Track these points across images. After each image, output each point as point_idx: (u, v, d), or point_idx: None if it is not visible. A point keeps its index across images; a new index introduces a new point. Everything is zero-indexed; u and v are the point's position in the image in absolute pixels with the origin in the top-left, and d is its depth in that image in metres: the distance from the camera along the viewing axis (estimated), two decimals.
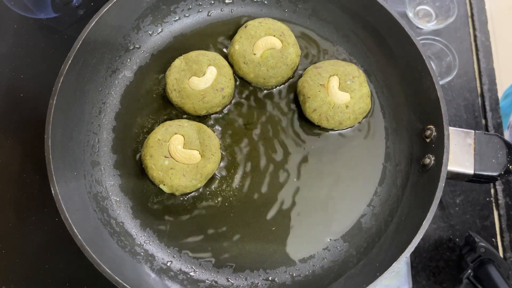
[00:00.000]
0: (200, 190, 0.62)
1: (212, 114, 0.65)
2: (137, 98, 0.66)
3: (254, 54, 0.64)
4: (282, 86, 0.67)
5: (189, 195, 0.62)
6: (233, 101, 0.66)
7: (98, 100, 0.64)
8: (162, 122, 0.63)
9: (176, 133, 0.60)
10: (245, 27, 0.66)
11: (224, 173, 0.63)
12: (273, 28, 0.65)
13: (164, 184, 0.59)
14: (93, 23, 0.59)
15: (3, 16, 0.80)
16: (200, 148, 0.60)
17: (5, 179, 0.70)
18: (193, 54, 0.64)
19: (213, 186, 0.62)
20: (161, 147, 0.59)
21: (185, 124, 0.61)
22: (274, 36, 0.65)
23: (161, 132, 0.60)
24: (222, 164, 0.63)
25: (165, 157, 0.58)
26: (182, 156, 0.59)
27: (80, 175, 0.59)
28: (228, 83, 0.63)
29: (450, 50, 0.80)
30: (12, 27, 0.80)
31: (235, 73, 0.66)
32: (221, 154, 0.63)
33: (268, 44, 0.64)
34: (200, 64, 0.63)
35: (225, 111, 0.66)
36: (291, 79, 0.67)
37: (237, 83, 0.67)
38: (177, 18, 0.70)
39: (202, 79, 0.62)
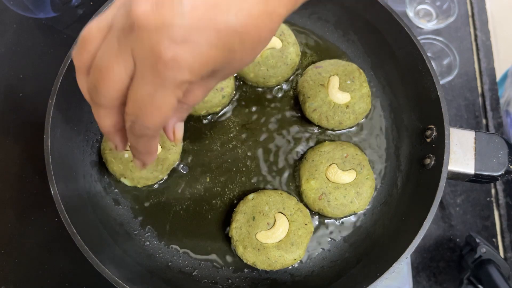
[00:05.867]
0: (202, 192, 0.62)
1: (212, 114, 0.65)
2: None
3: None
4: (282, 86, 0.67)
5: (189, 196, 0.61)
6: (233, 101, 0.66)
7: None
8: None
9: None
10: None
11: (225, 172, 0.63)
12: None
13: (125, 177, 0.59)
14: None
15: (2, 16, 0.80)
16: (160, 139, 0.60)
17: (5, 179, 0.70)
18: None
19: (213, 186, 0.62)
20: None
21: None
22: (274, 35, 0.64)
23: None
24: (223, 164, 0.63)
25: (125, 150, 0.58)
26: None
27: (79, 175, 0.59)
28: (228, 83, 0.63)
29: (450, 50, 0.80)
30: (12, 27, 0.79)
31: None
32: (220, 152, 0.63)
33: (268, 44, 0.64)
34: None
35: (226, 110, 0.65)
36: (291, 79, 0.67)
37: (237, 83, 0.67)
38: None
39: None
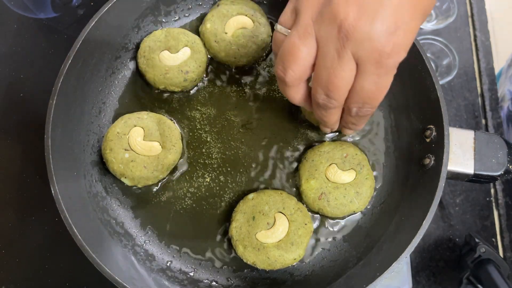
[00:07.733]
0: (202, 191, 0.62)
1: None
2: (137, 98, 0.66)
3: (226, 33, 0.64)
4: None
5: (189, 195, 0.62)
6: (232, 102, 0.66)
7: (98, 100, 0.64)
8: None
9: (135, 126, 0.60)
10: (218, 6, 0.66)
11: (225, 172, 0.63)
12: (246, 7, 0.65)
13: (125, 177, 0.59)
14: (93, 23, 0.59)
15: (3, 16, 0.80)
16: (160, 139, 0.60)
17: (5, 179, 0.70)
18: (176, 30, 0.65)
19: (213, 186, 0.62)
20: (121, 140, 0.59)
21: (144, 116, 0.61)
22: (246, 15, 0.65)
23: (120, 125, 0.60)
24: (223, 163, 0.63)
25: (125, 150, 0.58)
26: (142, 148, 0.59)
27: (80, 175, 0.59)
28: (196, 69, 0.64)
29: (450, 50, 0.80)
30: (12, 27, 0.80)
31: (206, 51, 0.67)
32: (220, 152, 0.63)
33: (239, 23, 0.64)
34: (177, 41, 0.64)
35: (234, 108, 0.66)
36: (266, 61, 0.67)
37: (238, 79, 0.67)
38: (177, 18, 0.69)
39: (173, 56, 0.63)
